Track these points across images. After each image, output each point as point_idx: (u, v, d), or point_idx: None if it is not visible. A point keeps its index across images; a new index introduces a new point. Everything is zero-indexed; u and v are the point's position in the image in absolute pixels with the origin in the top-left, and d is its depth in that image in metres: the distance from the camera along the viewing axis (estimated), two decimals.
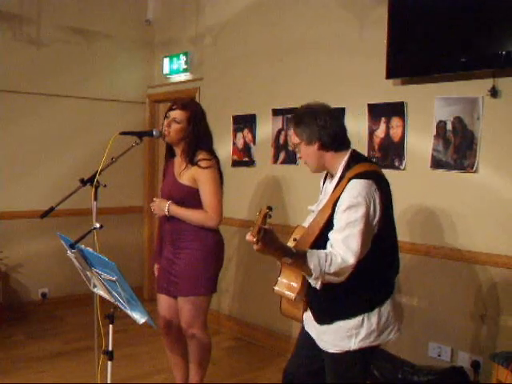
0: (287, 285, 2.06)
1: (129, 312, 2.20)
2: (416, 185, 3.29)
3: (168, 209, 2.86)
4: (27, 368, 3.76)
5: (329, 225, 2.00)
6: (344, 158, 2.08)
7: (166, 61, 5.26)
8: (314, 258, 1.88)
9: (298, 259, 1.89)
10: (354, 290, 2.02)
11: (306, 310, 2.20)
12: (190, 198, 2.88)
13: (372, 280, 2.06)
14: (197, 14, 4.93)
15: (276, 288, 2.09)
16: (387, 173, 3.37)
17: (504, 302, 2.94)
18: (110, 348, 2.31)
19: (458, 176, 3.09)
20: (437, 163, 3.17)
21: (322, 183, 2.30)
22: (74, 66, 5.05)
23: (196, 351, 3.03)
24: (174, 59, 5.16)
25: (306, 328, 2.26)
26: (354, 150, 2.12)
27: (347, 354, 2.08)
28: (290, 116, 2.24)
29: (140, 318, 2.18)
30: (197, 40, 4.94)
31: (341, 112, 3.59)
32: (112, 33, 5.25)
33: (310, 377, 2.29)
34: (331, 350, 2.11)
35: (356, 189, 1.95)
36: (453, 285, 3.15)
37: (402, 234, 3.34)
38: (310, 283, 2.00)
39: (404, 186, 3.34)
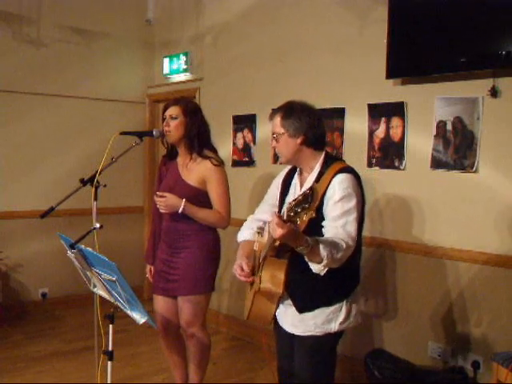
0: (272, 280, 2.07)
1: (129, 312, 2.20)
2: (416, 185, 3.29)
3: (184, 207, 2.79)
4: (27, 368, 3.77)
5: (315, 215, 2.08)
6: (321, 156, 2.27)
7: (166, 61, 5.26)
8: (327, 245, 1.95)
9: (313, 247, 1.92)
10: (335, 279, 2.12)
11: (278, 307, 2.22)
12: (192, 198, 2.85)
13: (349, 268, 2.18)
14: (197, 14, 4.93)
15: (263, 286, 2.07)
16: (387, 173, 3.44)
17: (505, 303, 2.93)
18: (110, 348, 2.30)
19: (458, 176, 3.09)
20: (437, 163, 3.17)
21: (280, 180, 2.41)
22: (74, 65, 5.05)
23: (196, 351, 3.03)
24: (174, 59, 5.16)
25: (279, 322, 2.34)
26: (327, 151, 2.32)
27: (327, 336, 2.21)
28: (274, 108, 2.33)
29: (140, 318, 2.18)
30: (197, 40, 4.94)
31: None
32: (112, 33, 5.25)
33: None
34: (312, 333, 2.21)
35: (346, 181, 2.13)
36: (453, 284, 3.15)
37: (402, 234, 3.36)
38: (291, 275, 2.07)
39: (404, 186, 3.35)
